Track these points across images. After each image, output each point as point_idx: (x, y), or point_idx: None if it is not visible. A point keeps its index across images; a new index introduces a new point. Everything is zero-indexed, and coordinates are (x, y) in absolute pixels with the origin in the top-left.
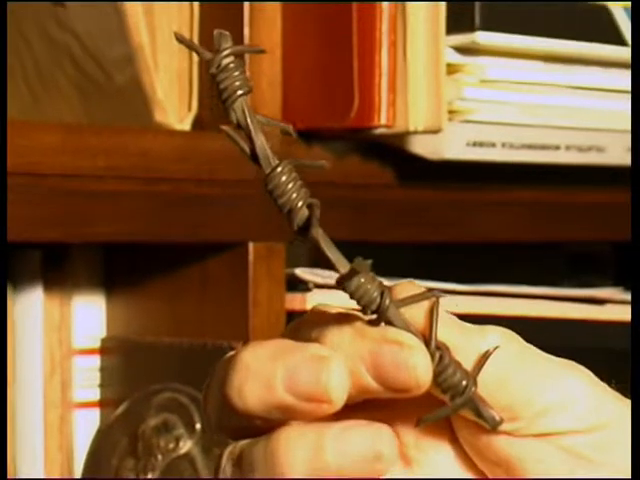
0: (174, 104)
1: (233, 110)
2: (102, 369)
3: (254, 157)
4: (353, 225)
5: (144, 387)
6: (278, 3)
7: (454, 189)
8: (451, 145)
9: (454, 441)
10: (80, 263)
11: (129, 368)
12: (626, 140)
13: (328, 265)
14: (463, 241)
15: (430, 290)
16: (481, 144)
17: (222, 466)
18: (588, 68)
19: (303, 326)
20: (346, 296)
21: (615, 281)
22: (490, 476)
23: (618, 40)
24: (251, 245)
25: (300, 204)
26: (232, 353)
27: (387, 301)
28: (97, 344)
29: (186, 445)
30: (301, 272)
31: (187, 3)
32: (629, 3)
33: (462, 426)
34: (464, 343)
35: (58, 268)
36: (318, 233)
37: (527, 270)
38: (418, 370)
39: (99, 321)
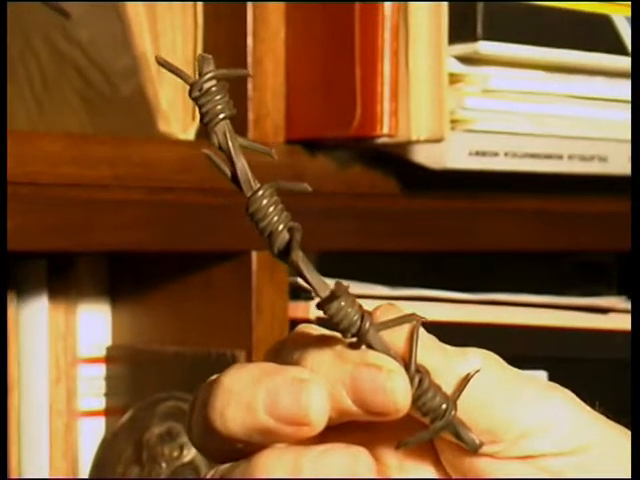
0: (178, 114)
1: (215, 133)
2: (107, 378)
3: (235, 180)
4: (356, 234)
5: (149, 395)
6: (281, 10)
7: (457, 198)
8: (454, 154)
9: (437, 463)
10: (85, 272)
11: (134, 377)
12: (629, 150)
13: (309, 288)
14: (466, 250)
15: (410, 314)
16: (484, 153)
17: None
18: (590, 78)
19: (285, 348)
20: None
21: (619, 290)
22: None
23: (620, 50)
24: (254, 254)
25: (280, 227)
26: (215, 377)
27: (367, 324)
28: (102, 353)
29: (190, 453)
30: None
31: (191, 13)
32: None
33: (445, 448)
34: (444, 366)
35: (63, 277)
36: (298, 257)
37: (532, 279)
38: (396, 394)
39: (104, 330)
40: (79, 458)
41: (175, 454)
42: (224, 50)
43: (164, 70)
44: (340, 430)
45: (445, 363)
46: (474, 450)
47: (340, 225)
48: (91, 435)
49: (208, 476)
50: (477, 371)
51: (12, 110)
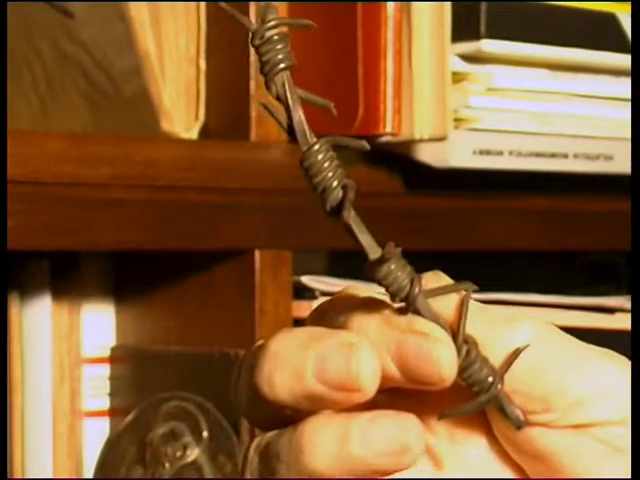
0: (181, 113)
1: (274, 83)
2: (111, 378)
3: (291, 132)
4: None
5: (152, 396)
6: (284, 9)
7: (461, 197)
8: (457, 153)
9: (489, 432)
10: (89, 272)
11: (138, 377)
12: None
13: (360, 249)
14: (470, 249)
15: (462, 283)
16: (488, 152)
17: (249, 459)
18: (595, 76)
19: (330, 310)
20: None
21: (629, 290)
22: (526, 468)
23: (626, 48)
24: (257, 253)
25: (335, 184)
26: (262, 341)
27: (416, 290)
28: (106, 353)
29: (193, 453)
30: (307, 280)
31: (194, 13)
32: None
33: (497, 417)
34: (493, 337)
35: (67, 277)
36: (350, 216)
37: (540, 279)
38: (442, 363)
39: (108, 330)
40: (83, 458)
41: (178, 454)
42: (227, 48)
43: (167, 68)
44: (391, 397)
45: (494, 334)
46: (518, 427)
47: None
48: (95, 435)
49: (253, 444)
50: (527, 346)
51: (17, 111)
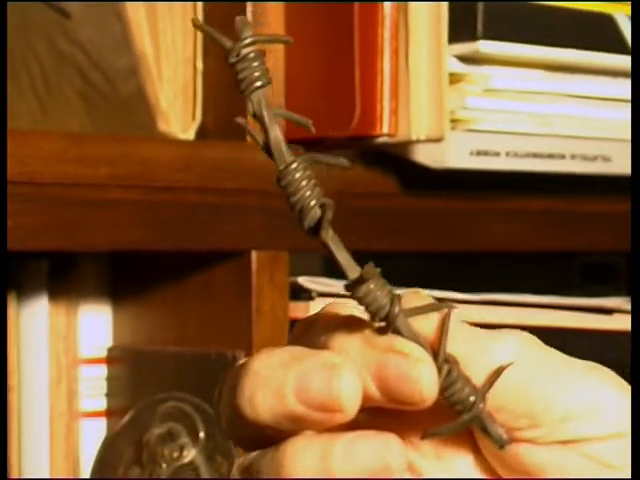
0: (178, 114)
1: (250, 101)
2: (108, 378)
3: (268, 150)
4: (356, 234)
5: (149, 396)
6: (280, 9)
7: (458, 198)
8: (454, 154)
9: (475, 450)
10: (86, 272)
11: (135, 377)
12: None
13: (338, 268)
14: (468, 250)
15: (442, 302)
16: (485, 153)
17: (233, 478)
18: (592, 77)
19: (312, 329)
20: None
21: (628, 291)
22: None
23: (623, 49)
24: (254, 254)
25: (312, 203)
26: (243, 360)
27: (396, 309)
28: (103, 353)
29: (190, 454)
30: (304, 281)
31: (191, 13)
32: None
33: (482, 435)
34: (475, 355)
35: (64, 277)
36: (328, 235)
37: (538, 279)
38: (423, 383)
39: (105, 330)
40: (80, 459)
41: (175, 455)
42: (223, 50)
43: (164, 69)
44: (373, 415)
45: (476, 352)
46: (500, 446)
47: (340, 225)
48: (92, 436)
49: (236, 463)
50: (509, 364)
51: (16, 111)
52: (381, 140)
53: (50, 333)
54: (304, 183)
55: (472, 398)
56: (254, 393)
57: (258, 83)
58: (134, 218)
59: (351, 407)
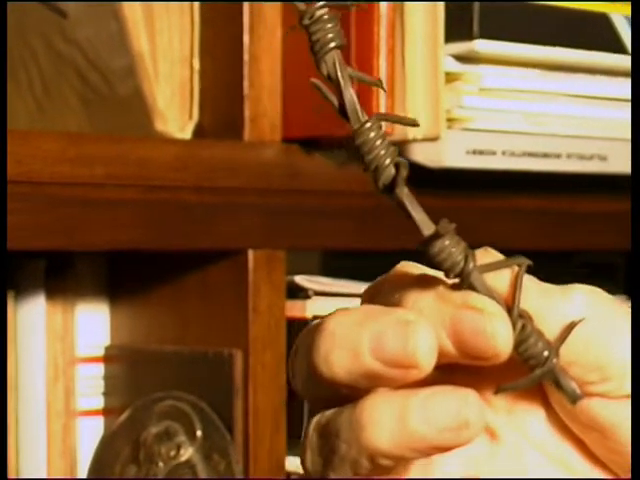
0: (175, 113)
1: (324, 62)
2: (105, 377)
3: (342, 111)
4: (355, 233)
5: (146, 395)
6: (277, 9)
7: (455, 197)
8: (451, 153)
9: (548, 405)
10: (84, 272)
11: (132, 376)
12: (628, 148)
13: (412, 225)
14: None
15: (516, 258)
16: (481, 152)
17: (309, 436)
18: (588, 76)
19: (384, 288)
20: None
21: (625, 289)
22: (585, 440)
23: (618, 48)
24: (251, 253)
25: (387, 162)
26: (318, 321)
27: (471, 265)
28: (100, 352)
29: (187, 452)
30: (301, 279)
31: (188, 13)
32: (629, 11)
33: (555, 390)
34: (547, 310)
35: (61, 277)
36: (403, 193)
37: (537, 278)
38: (497, 339)
39: (102, 329)
40: (77, 457)
41: (172, 453)
42: (221, 49)
43: (161, 68)
44: (447, 372)
45: (548, 307)
46: (573, 401)
47: (337, 224)
48: (89, 434)
49: (313, 422)
50: (581, 319)
51: (14, 111)
52: None
53: (47, 332)
54: (379, 142)
55: (546, 353)
56: (330, 352)
57: (332, 44)
58: (131, 217)
59: (427, 363)
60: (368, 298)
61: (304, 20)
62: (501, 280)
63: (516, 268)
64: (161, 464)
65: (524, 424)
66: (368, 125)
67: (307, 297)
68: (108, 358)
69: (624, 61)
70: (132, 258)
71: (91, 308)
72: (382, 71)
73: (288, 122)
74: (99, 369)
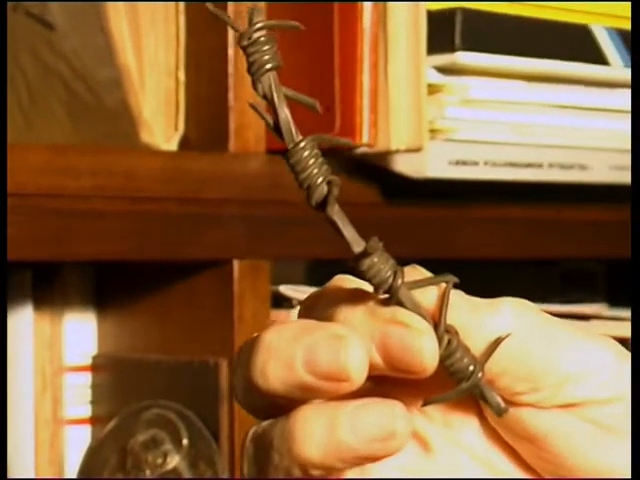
0: (161, 125)
1: (260, 83)
2: (93, 386)
3: (277, 130)
4: (339, 243)
5: (134, 403)
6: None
7: (438, 207)
8: (434, 164)
9: (481, 415)
10: (71, 281)
11: (119, 385)
12: (609, 158)
13: (343, 243)
14: (447, 258)
15: (443, 275)
16: (464, 162)
17: (246, 446)
18: (570, 87)
19: (320, 302)
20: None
21: (606, 297)
22: (518, 450)
23: (599, 59)
24: (236, 263)
25: (319, 181)
26: (256, 334)
27: (399, 282)
28: (88, 361)
29: (173, 460)
30: (285, 289)
31: (173, 25)
32: (610, 22)
33: (481, 402)
34: (474, 324)
35: (49, 286)
36: (333, 211)
37: (516, 287)
38: (424, 353)
39: (90, 338)
40: (65, 466)
41: (159, 461)
42: (206, 60)
43: (147, 80)
44: (379, 383)
45: (475, 322)
46: (498, 414)
47: (322, 234)
48: (77, 443)
49: (250, 432)
50: (507, 335)
51: None
52: (361, 150)
53: (35, 342)
54: (312, 161)
55: (471, 367)
56: (266, 364)
57: (268, 65)
58: (117, 228)
59: (358, 376)
60: (304, 311)
61: (242, 42)
62: (429, 297)
63: (444, 285)
64: (148, 472)
65: (459, 434)
66: (302, 145)
67: (292, 307)
68: (95, 367)
69: (603, 72)
70: (119, 268)
71: (78, 318)
72: (365, 84)
73: (271, 133)
74: (86, 378)
